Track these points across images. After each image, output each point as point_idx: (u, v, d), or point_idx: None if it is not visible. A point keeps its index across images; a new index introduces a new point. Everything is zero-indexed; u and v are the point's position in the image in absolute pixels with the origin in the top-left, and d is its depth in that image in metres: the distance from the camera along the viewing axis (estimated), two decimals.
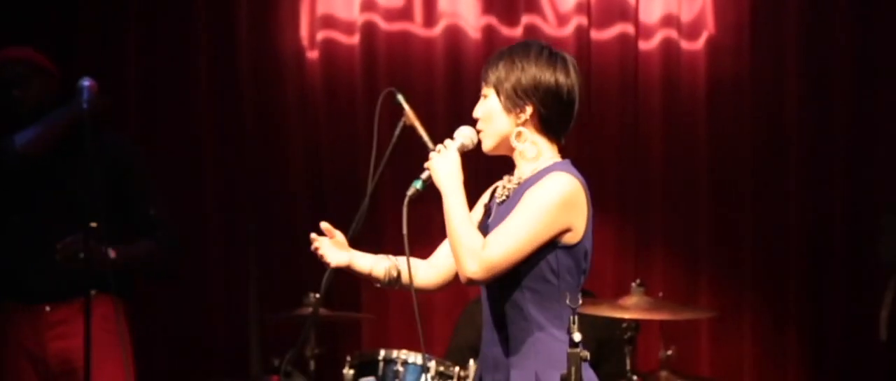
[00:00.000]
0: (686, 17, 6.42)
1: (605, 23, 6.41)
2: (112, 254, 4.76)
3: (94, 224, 4.58)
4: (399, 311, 6.29)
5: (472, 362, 4.79)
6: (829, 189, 6.36)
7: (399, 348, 4.88)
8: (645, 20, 6.41)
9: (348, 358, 4.93)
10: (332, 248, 3.62)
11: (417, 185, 3.51)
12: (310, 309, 5.19)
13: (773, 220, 6.38)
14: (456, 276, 3.57)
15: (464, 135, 3.53)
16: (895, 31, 6.33)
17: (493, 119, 3.47)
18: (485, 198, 3.63)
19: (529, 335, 3.36)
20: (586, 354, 3.18)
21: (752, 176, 6.39)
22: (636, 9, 6.40)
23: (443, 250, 3.65)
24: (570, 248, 3.36)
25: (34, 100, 4.91)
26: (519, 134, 3.44)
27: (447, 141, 3.53)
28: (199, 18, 6.46)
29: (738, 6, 6.40)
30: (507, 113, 3.45)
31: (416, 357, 4.80)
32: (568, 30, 6.42)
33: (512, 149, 3.47)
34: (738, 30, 6.40)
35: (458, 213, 3.39)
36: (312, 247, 3.59)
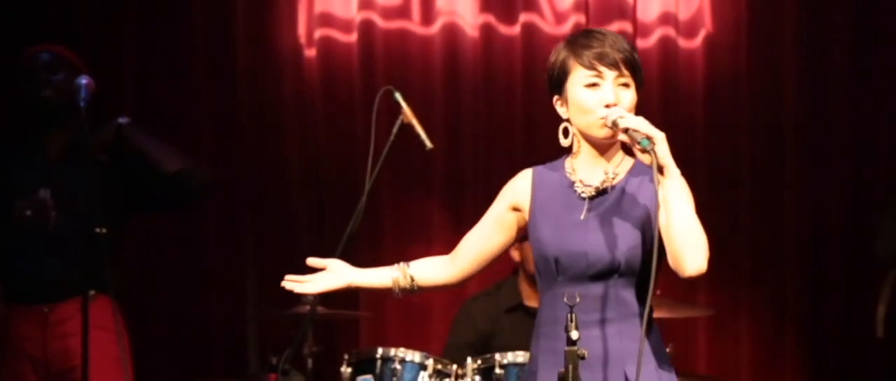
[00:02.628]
0: (684, 15, 6.42)
1: (602, 21, 6.41)
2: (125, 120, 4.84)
3: (99, 230, 4.56)
4: (396, 309, 6.29)
5: (469, 359, 4.79)
6: (826, 187, 6.37)
7: (397, 346, 4.87)
8: (643, 18, 6.41)
9: (346, 356, 4.92)
10: (327, 277, 3.51)
11: (646, 143, 3.17)
12: (307, 307, 5.18)
13: (771, 218, 6.39)
14: (469, 275, 3.54)
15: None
16: (892, 28, 6.34)
17: (633, 111, 3.34)
18: (519, 195, 3.46)
19: (635, 327, 3.30)
20: (584, 352, 3.17)
21: (749, 174, 6.40)
22: (634, 7, 6.41)
23: (465, 245, 3.55)
24: None
25: (58, 92, 4.89)
26: None
27: (636, 118, 3.26)
28: (197, 16, 6.45)
29: (736, 4, 6.40)
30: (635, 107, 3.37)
31: (413, 355, 4.79)
32: (566, 28, 6.42)
33: (615, 142, 3.36)
34: (735, 28, 6.40)
35: (688, 203, 3.24)
36: (297, 290, 3.49)
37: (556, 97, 3.41)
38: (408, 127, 4.41)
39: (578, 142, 3.39)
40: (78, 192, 4.76)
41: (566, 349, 3.12)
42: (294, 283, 3.51)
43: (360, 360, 4.90)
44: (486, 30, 6.43)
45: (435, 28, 6.45)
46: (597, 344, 3.30)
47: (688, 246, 3.22)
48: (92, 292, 4.68)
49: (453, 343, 5.56)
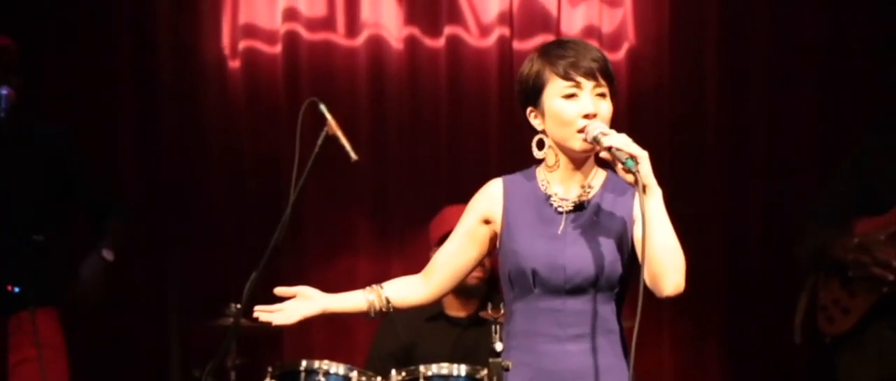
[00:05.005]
0: (607, 28, 6.47)
1: (527, 33, 6.45)
2: (109, 256, 4.77)
3: (36, 237, 4.52)
4: (321, 321, 6.25)
5: (393, 372, 4.79)
6: (747, 196, 6.44)
7: (321, 358, 4.86)
8: (567, 31, 6.45)
9: (270, 369, 4.90)
10: (301, 305, 3.39)
11: (631, 164, 3.17)
12: (231, 319, 5.16)
13: (692, 228, 6.42)
14: (444, 292, 3.50)
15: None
16: (813, 39, 6.42)
17: (609, 121, 3.31)
18: (491, 206, 3.42)
19: (617, 344, 3.36)
20: (508, 363, 3.18)
21: (671, 185, 6.41)
22: (558, 20, 6.44)
23: (438, 262, 3.49)
24: None
25: None
26: None
27: (618, 135, 3.24)
28: (120, 27, 6.40)
29: (659, 17, 6.46)
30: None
31: (337, 368, 4.78)
32: (490, 40, 6.45)
33: (591, 155, 3.34)
34: (658, 41, 6.46)
35: (668, 221, 3.24)
36: (264, 320, 3.34)
37: (529, 109, 3.36)
38: (333, 139, 4.41)
39: (556, 154, 3.36)
40: (7, 198, 4.72)
41: (490, 360, 3.13)
42: (267, 313, 3.37)
43: (283, 373, 4.88)
44: (411, 42, 6.44)
45: (360, 40, 6.45)
46: (572, 359, 3.32)
47: (669, 266, 3.23)
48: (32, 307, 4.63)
49: (375, 353, 5.55)
